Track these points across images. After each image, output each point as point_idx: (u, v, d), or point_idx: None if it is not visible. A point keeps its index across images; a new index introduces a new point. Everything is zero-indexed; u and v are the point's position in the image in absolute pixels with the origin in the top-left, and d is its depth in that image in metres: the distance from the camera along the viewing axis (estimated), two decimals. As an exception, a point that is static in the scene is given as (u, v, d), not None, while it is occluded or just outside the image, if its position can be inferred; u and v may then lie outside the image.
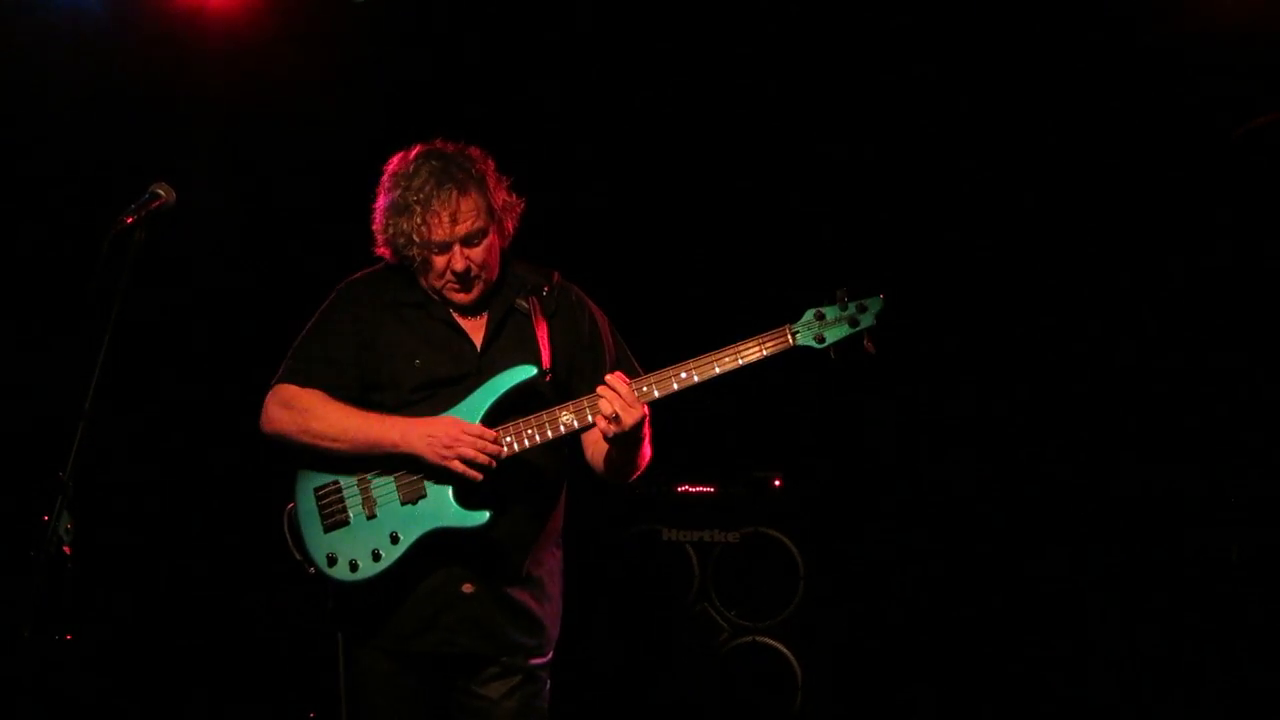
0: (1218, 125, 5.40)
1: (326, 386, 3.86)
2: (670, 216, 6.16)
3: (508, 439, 3.73)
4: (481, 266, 3.83)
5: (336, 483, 3.83)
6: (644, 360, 3.93)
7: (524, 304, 3.94)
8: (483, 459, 3.67)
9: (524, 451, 3.75)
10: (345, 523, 3.80)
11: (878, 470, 6.11)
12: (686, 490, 5.94)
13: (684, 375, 3.69)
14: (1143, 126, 5.74)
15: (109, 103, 5.86)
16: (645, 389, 3.68)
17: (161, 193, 3.55)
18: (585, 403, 3.72)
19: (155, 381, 5.91)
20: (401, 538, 3.76)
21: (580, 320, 3.99)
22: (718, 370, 3.68)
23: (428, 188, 3.76)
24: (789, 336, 3.69)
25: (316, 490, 3.83)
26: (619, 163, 6.13)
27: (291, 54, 5.90)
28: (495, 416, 3.76)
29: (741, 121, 6.10)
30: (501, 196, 3.86)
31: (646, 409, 3.67)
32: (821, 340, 3.69)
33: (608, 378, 3.67)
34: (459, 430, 3.70)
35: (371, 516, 3.79)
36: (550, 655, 3.98)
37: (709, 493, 5.94)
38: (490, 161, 3.89)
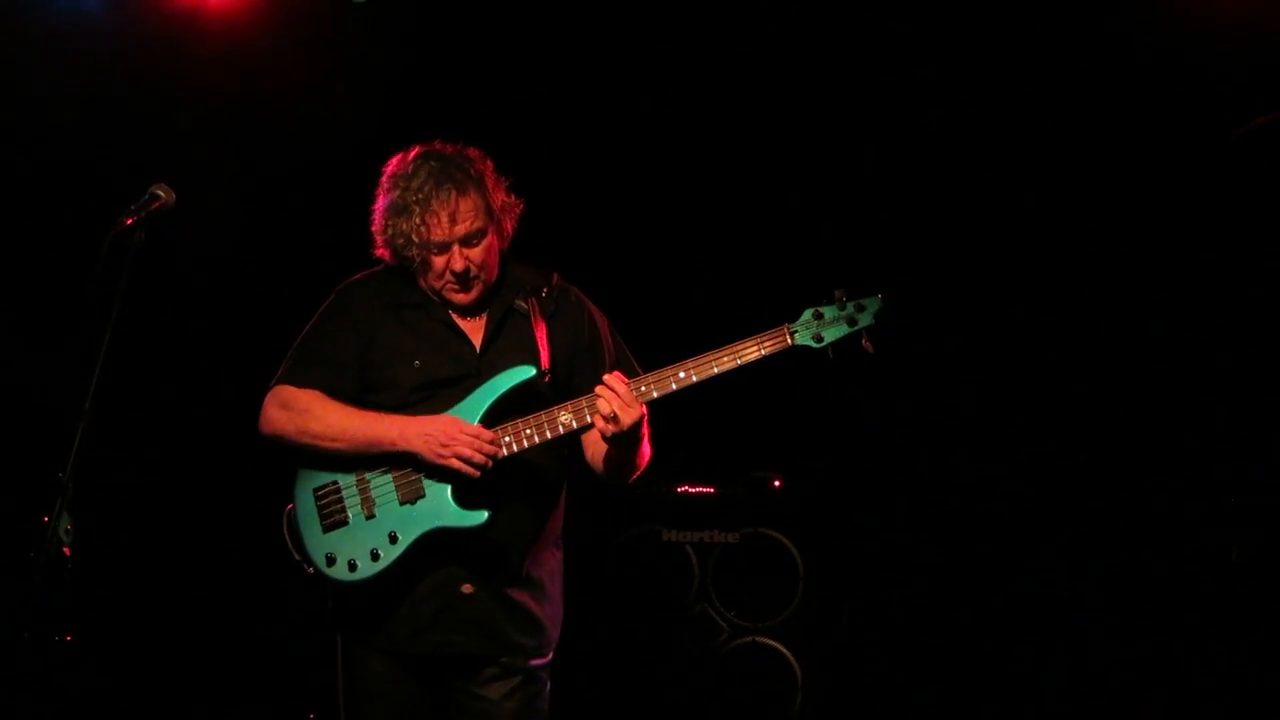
0: (1218, 125, 5.40)
1: (325, 387, 3.86)
2: (669, 217, 6.16)
3: (506, 439, 3.73)
4: (480, 267, 3.84)
5: (335, 483, 3.83)
6: (643, 360, 3.93)
7: (523, 305, 3.94)
8: (479, 458, 3.67)
9: (523, 451, 3.75)
10: (344, 523, 3.80)
11: (877, 471, 6.11)
12: (686, 491, 5.94)
13: (682, 375, 3.69)
14: (1142, 126, 5.74)
15: (109, 103, 5.87)
16: (644, 389, 3.68)
17: (161, 193, 3.55)
18: (584, 403, 3.72)
19: (155, 382, 5.91)
20: (400, 537, 3.76)
21: (579, 321, 3.99)
22: (716, 370, 3.68)
23: (426, 188, 3.76)
24: (787, 336, 3.70)
25: (315, 490, 3.83)
26: (618, 163, 6.13)
27: (291, 54, 5.91)
28: (494, 417, 3.76)
29: (740, 122, 6.10)
30: (500, 197, 3.87)
31: (645, 409, 3.67)
32: (820, 340, 3.69)
33: (606, 377, 3.67)
34: (456, 429, 3.70)
35: (370, 516, 3.79)
36: (550, 656, 3.98)
37: (709, 493, 5.94)
38: (489, 162, 3.90)
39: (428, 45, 6.06)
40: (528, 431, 3.74)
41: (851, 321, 3.70)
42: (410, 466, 3.78)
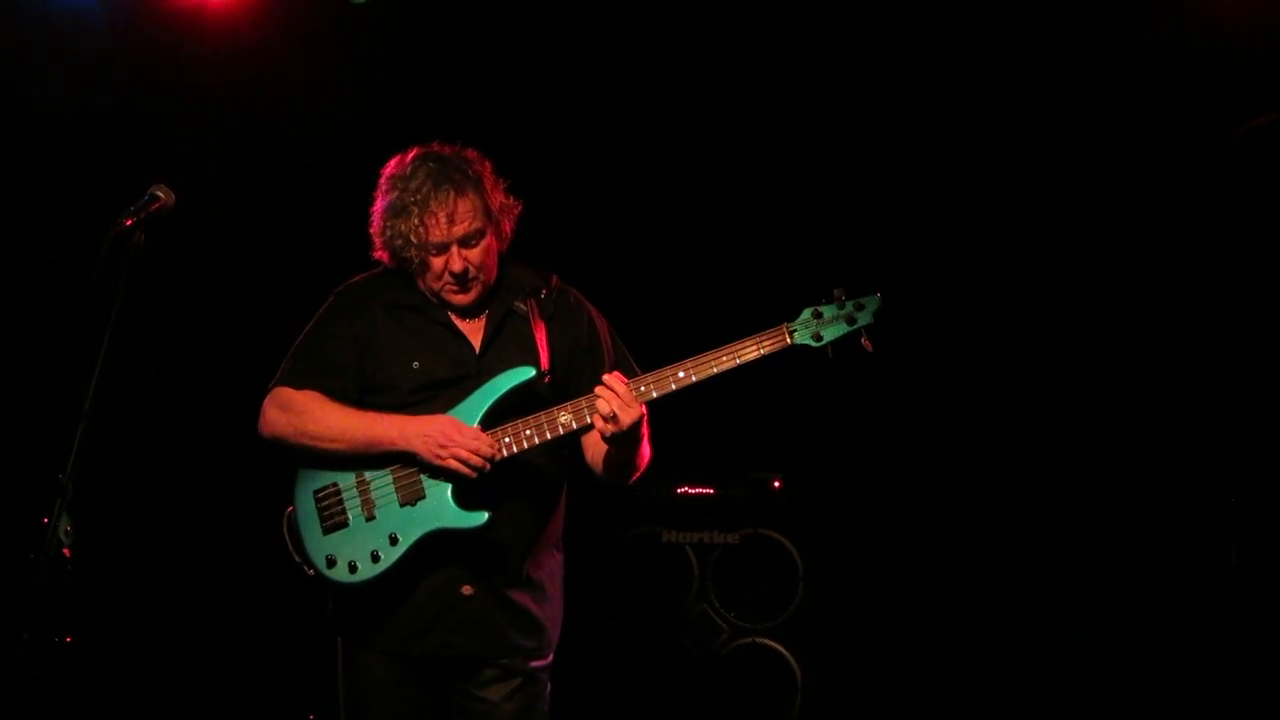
0: (1218, 125, 5.40)
1: (324, 389, 3.86)
2: (668, 217, 6.16)
3: (506, 440, 3.73)
4: (479, 268, 3.84)
5: (335, 485, 3.83)
6: (643, 360, 3.93)
7: (522, 306, 3.94)
8: (476, 460, 3.67)
9: (523, 452, 3.75)
10: (344, 524, 3.80)
11: (877, 471, 6.10)
12: (686, 492, 5.94)
13: (682, 375, 3.69)
14: (1142, 126, 5.73)
15: (108, 104, 5.86)
16: (643, 389, 3.68)
17: (161, 194, 3.55)
18: (583, 403, 3.72)
19: (155, 383, 5.91)
20: (400, 539, 3.75)
21: (579, 323, 3.99)
22: (715, 370, 3.68)
23: (425, 189, 3.76)
24: (786, 335, 3.70)
25: (315, 493, 3.83)
26: (617, 163, 6.13)
27: (291, 55, 5.90)
28: (494, 418, 3.76)
29: (739, 121, 6.10)
30: (499, 198, 3.87)
31: (644, 408, 3.67)
32: (819, 339, 3.69)
33: (605, 377, 3.67)
34: (455, 430, 3.70)
35: (371, 518, 3.78)
36: (550, 658, 3.97)
37: (708, 494, 5.94)
38: (487, 163, 3.90)
39: (427, 45, 6.06)
40: (527, 432, 3.73)
41: (850, 320, 3.70)
42: (410, 467, 3.77)
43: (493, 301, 3.93)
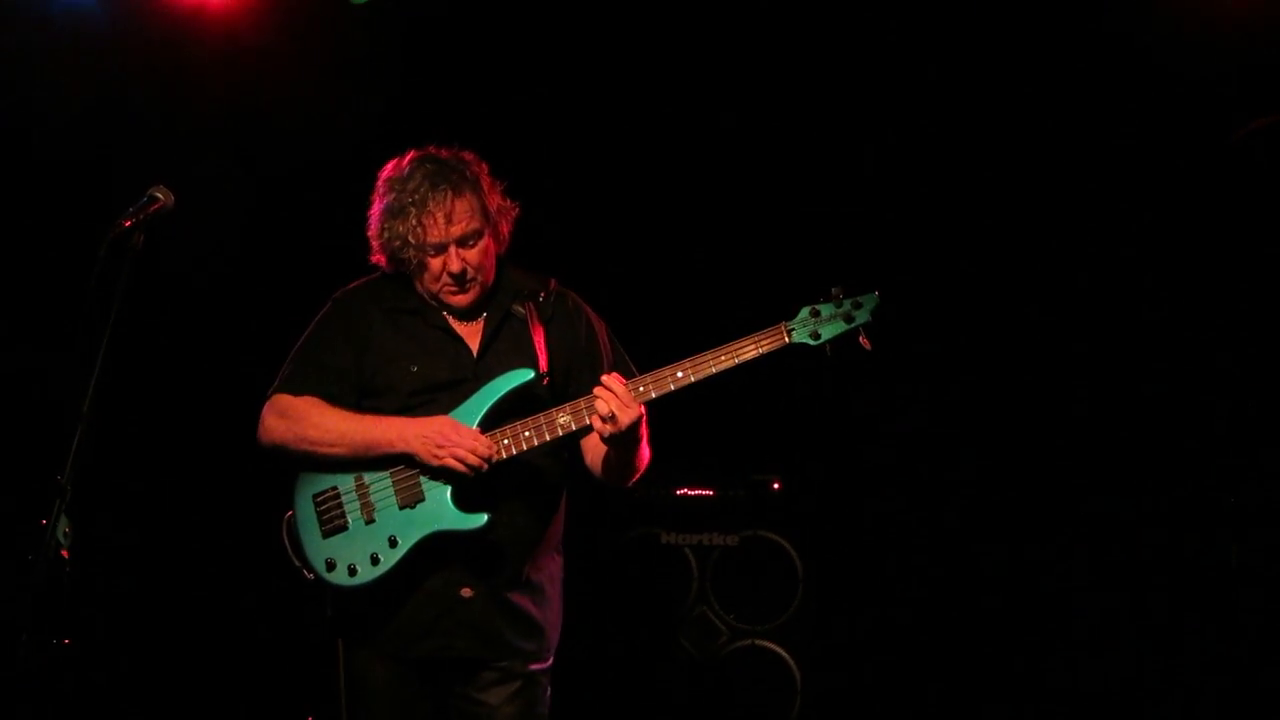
0: (1217, 127, 5.40)
1: (323, 394, 3.87)
2: (665, 217, 6.15)
3: (505, 441, 3.73)
4: (477, 269, 3.84)
5: (335, 489, 3.83)
6: (641, 361, 3.93)
7: (520, 309, 3.95)
8: (473, 459, 3.67)
9: (522, 454, 3.75)
10: (344, 528, 3.80)
11: (877, 473, 6.10)
12: (685, 493, 5.94)
13: (680, 375, 3.69)
14: (1142, 128, 5.73)
15: (108, 104, 5.86)
16: (642, 389, 3.68)
17: (160, 196, 3.56)
18: (582, 404, 3.72)
19: (154, 384, 5.90)
20: (400, 541, 3.76)
21: (577, 326, 3.99)
22: (714, 370, 3.68)
23: (423, 189, 3.77)
24: (784, 334, 3.70)
25: (315, 497, 3.83)
26: (615, 163, 6.12)
27: (291, 56, 5.90)
28: (493, 420, 3.76)
29: (736, 120, 6.09)
30: (496, 200, 3.88)
31: (643, 409, 3.68)
32: (817, 337, 3.70)
33: (603, 378, 3.67)
34: (453, 430, 3.71)
35: (370, 521, 3.78)
36: (550, 661, 3.98)
37: (708, 496, 5.93)
38: (485, 165, 3.92)
39: (427, 46, 6.05)
40: (526, 434, 3.74)
41: (849, 319, 3.71)
42: (409, 470, 3.77)
43: (491, 305, 3.94)
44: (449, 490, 3.75)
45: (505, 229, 3.92)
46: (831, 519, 5.95)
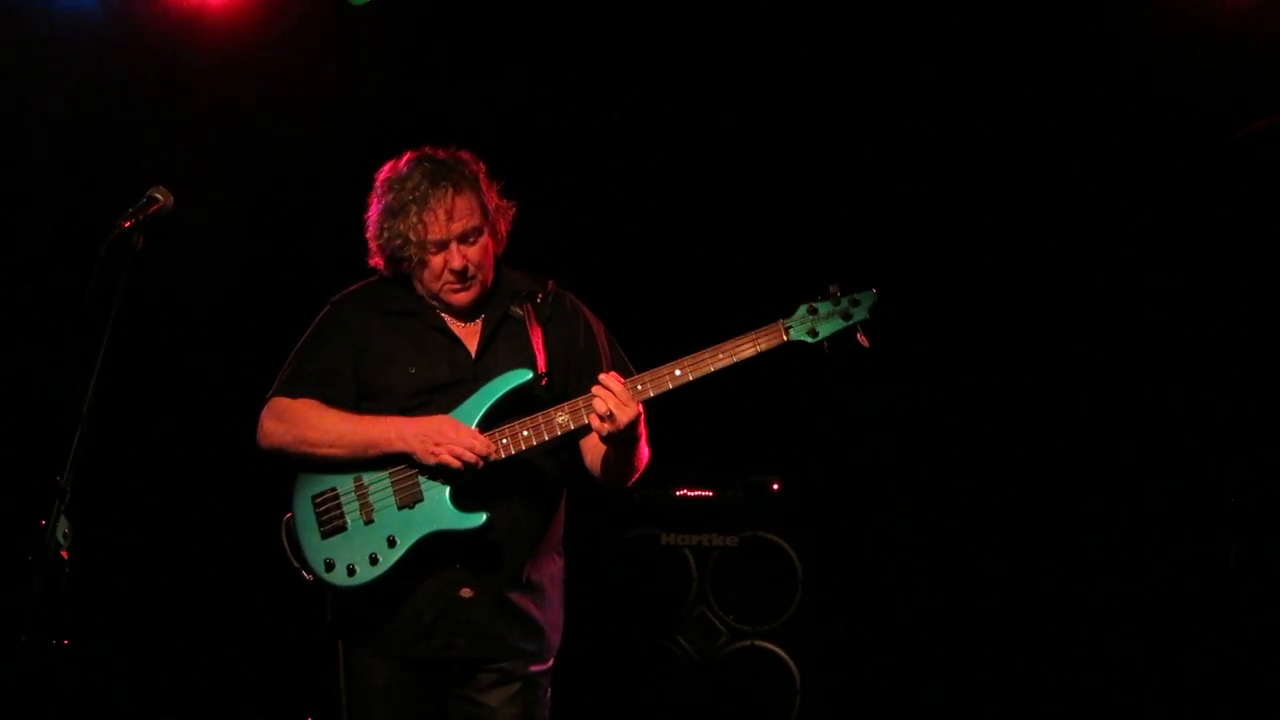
0: (1216, 128, 5.40)
1: (321, 396, 3.88)
2: (662, 216, 6.15)
3: (503, 440, 3.73)
4: (478, 266, 3.85)
5: (334, 490, 3.83)
6: (640, 360, 3.93)
7: (518, 311, 3.95)
8: (470, 456, 3.67)
9: (521, 453, 3.75)
10: (342, 528, 3.80)
11: (876, 474, 6.10)
12: (685, 494, 5.93)
13: (678, 373, 3.69)
14: (1141, 128, 5.73)
15: (108, 105, 5.87)
16: (640, 387, 3.69)
17: (159, 197, 3.57)
18: (580, 403, 3.72)
19: (154, 385, 5.91)
20: (399, 541, 3.76)
21: (575, 326, 4.00)
22: (712, 368, 3.69)
23: (423, 187, 3.79)
24: (782, 332, 3.70)
25: (314, 498, 3.83)
26: (612, 163, 6.12)
27: (291, 57, 5.90)
28: (492, 421, 3.76)
29: (733, 119, 6.09)
30: (494, 199, 3.90)
31: (641, 407, 3.68)
32: (814, 334, 3.70)
33: (601, 377, 3.67)
34: (451, 427, 3.71)
35: (369, 522, 3.79)
36: (551, 662, 3.98)
37: (707, 496, 5.92)
38: (482, 164, 3.92)
39: (427, 46, 6.06)
40: (525, 433, 3.74)
41: (846, 316, 3.71)
42: (408, 470, 3.77)
43: (489, 306, 3.95)
44: (448, 490, 3.75)
45: (503, 228, 3.93)
46: (831, 520, 5.94)
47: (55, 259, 5.61)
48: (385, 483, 3.80)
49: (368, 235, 3.92)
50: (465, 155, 3.91)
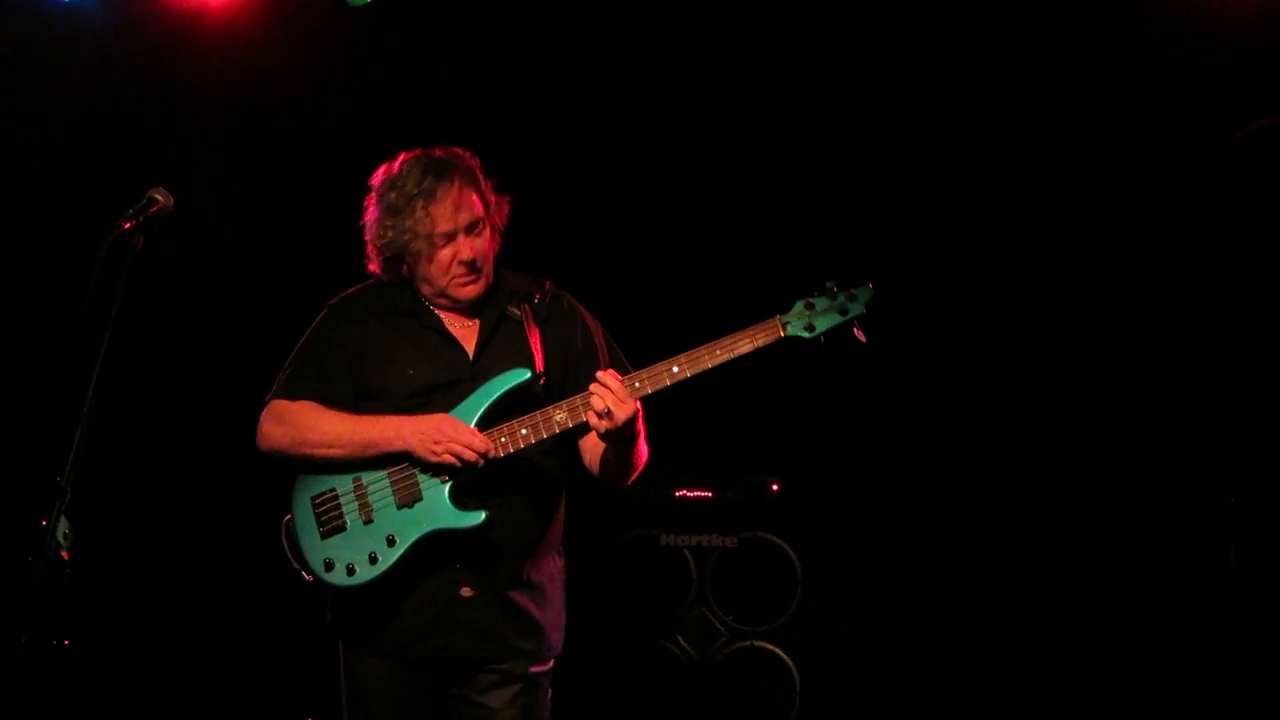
0: (1216, 128, 5.40)
1: (319, 398, 3.88)
2: (659, 214, 6.16)
3: (502, 439, 3.74)
4: (484, 258, 3.87)
5: (333, 490, 3.83)
6: (638, 357, 3.93)
7: (516, 311, 3.96)
8: (469, 454, 3.68)
9: (519, 452, 3.76)
10: (342, 528, 3.80)
11: (876, 474, 6.10)
12: (684, 495, 5.93)
13: (676, 370, 3.69)
14: (1140, 129, 5.73)
15: (108, 106, 5.87)
16: (637, 385, 3.69)
17: (159, 198, 3.56)
18: (578, 401, 3.72)
19: (153, 387, 5.91)
20: (398, 540, 3.76)
21: (573, 327, 4.00)
22: (709, 364, 3.68)
23: (428, 181, 3.81)
24: (779, 327, 3.70)
25: (313, 499, 3.83)
26: (609, 161, 6.13)
27: (291, 57, 5.91)
28: (491, 420, 3.77)
29: (729, 115, 6.09)
30: (491, 195, 3.91)
31: (639, 404, 3.68)
32: (812, 329, 3.70)
33: (599, 374, 3.67)
34: (450, 425, 3.71)
35: (368, 522, 3.79)
36: (551, 664, 3.97)
37: (707, 497, 5.93)
38: (477, 159, 3.94)
39: (426, 47, 6.06)
40: (523, 431, 3.74)
41: (843, 310, 3.71)
42: (407, 469, 3.77)
43: (487, 307, 3.95)
44: (447, 489, 3.75)
45: (500, 221, 3.94)
46: (830, 520, 5.94)
47: (55, 259, 5.60)
48: (384, 482, 3.80)
49: (366, 239, 3.93)
50: (460, 151, 3.92)
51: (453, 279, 3.86)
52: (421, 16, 6.01)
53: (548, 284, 4.05)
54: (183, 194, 3.61)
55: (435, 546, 3.77)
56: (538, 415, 3.75)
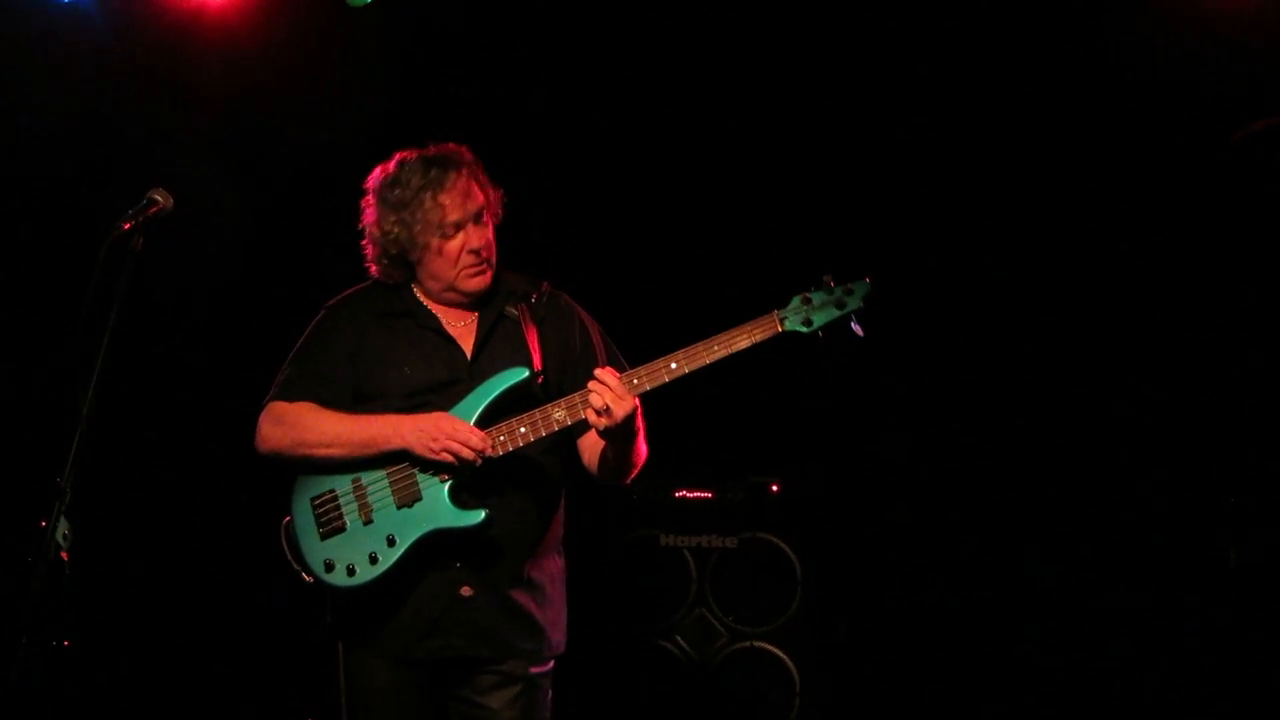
0: (1216, 128, 5.40)
1: (317, 399, 3.88)
2: (655, 211, 6.16)
3: (501, 438, 3.74)
4: (489, 248, 3.88)
5: (332, 491, 3.83)
6: (634, 355, 3.93)
7: (513, 311, 3.97)
8: (467, 452, 3.68)
9: (518, 450, 3.75)
10: (341, 529, 3.80)
11: (876, 474, 6.10)
12: (684, 495, 5.94)
13: (674, 366, 3.69)
14: (1140, 128, 5.73)
15: (108, 107, 5.87)
16: (635, 381, 3.69)
17: (159, 199, 3.56)
18: (577, 398, 3.72)
19: (153, 387, 5.91)
20: (398, 540, 3.76)
21: (570, 326, 4.01)
22: (707, 360, 3.68)
23: (434, 171, 3.82)
24: (777, 322, 3.70)
25: (313, 500, 3.83)
26: (606, 159, 6.13)
27: (291, 58, 5.91)
28: (489, 420, 3.77)
29: (725, 113, 6.09)
30: (489, 188, 3.93)
31: (637, 401, 3.68)
32: (809, 324, 3.70)
33: (597, 371, 3.67)
34: (449, 423, 3.71)
35: (368, 522, 3.79)
36: (551, 664, 3.97)
37: (706, 498, 5.93)
38: (472, 154, 3.95)
39: (425, 48, 6.06)
40: (522, 430, 3.74)
41: (840, 304, 3.71)
42: (406, 468, 3.77)
43: (485, 307, 3.95)
44: (446, 488, 3.75)
45: (499, 213, 3.95)
46: (830, 521, 5.94)
47: (55, 260, 5.60)
48: (383, 482, 3.80)
49: (367, 241, 3.94)
50: (456, 146, 3.94)
51: (462, 269, 3.86)
52: (421, 17, 6.01)
53: (545, 284, 4.05)
54: (182, 194, 3.61)
55: (435, 546, 3.77)
56: (536, 413, 3.75)
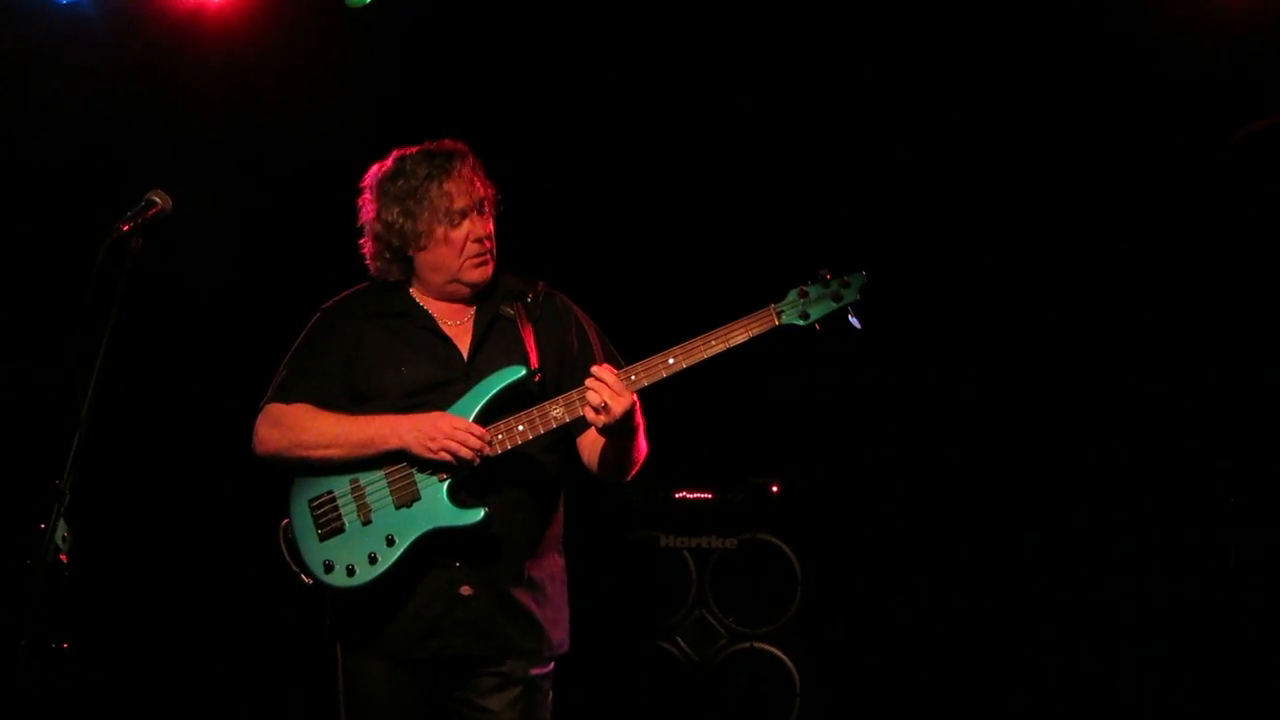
0: (1216, 128, 5.40)
1: (315, 400, 3.88)
2: (650, 207, 6.16)
3: (499, 436, 3.74)
4: (492, 238, 3.90)
5: (330, 492, 3.83)
6: (631, 352, 3.92)
7: (509, 310, 3.97)
8: (465, 452, 3.68)
9: (517, 448, 3.75)
10: (340, 530, 3.80)
11: (875, 475, 6.10)
12: (684, 496, 5.93)
13: (671, 361, 3.68)
14: (1140, 128, 5.73)
15: (107, 108, 5.87)
16: (633, 378, 3.68)
17: (158, 200, 3.56)
18: (574, 395, 3.72)
19: (153, 389, 5.90)
20: (398, 540, 3.75)
21: (567, 325, 4.01)
22: (705, 354, 3.67)
23: (438, 161, 3.85)
24: (774, 316, 3.70)
25: (311, 502, 3.83)
26: (603, 157, 6.13)
27: (290, 58, 5.91)
28: (487, 418, 3.76)
29: (718, 109, 6.09)
30: (487, 181, 3.93)
31: (635, 397, 3.67)
32: (806, 317, 3.70)
33: (594, 369, 3.67)
34: (447, 422, 3.71)
35: (367, 522, 3.78)
36: (552, 666, 3.97)
37: (706, 499, 5.93)
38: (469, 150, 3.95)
39: (424, 48, 6.06)
40: (520, 428, 3.74)
41: (837, 297, 3.71)
42: (404, 468, 3.77)
43: (481, 306, 3.95)
44: (445, 487, 3.75)
45: (495, 209, 3.96)
46: (830, 521, 5.94)
47: (55, 260, 5.60)
48: (382, 482, 3.79)
49: (365, 238, 3.94)
50: (453, 141, 3.94)
51: (466, 259, 3.87)
52: (421, 17, 6.00)
53: (540, 284, 4.06)
54: (181, 195, 3.61)
55: (435, 545, 3.76)
56: (534, 411, 3.75)
